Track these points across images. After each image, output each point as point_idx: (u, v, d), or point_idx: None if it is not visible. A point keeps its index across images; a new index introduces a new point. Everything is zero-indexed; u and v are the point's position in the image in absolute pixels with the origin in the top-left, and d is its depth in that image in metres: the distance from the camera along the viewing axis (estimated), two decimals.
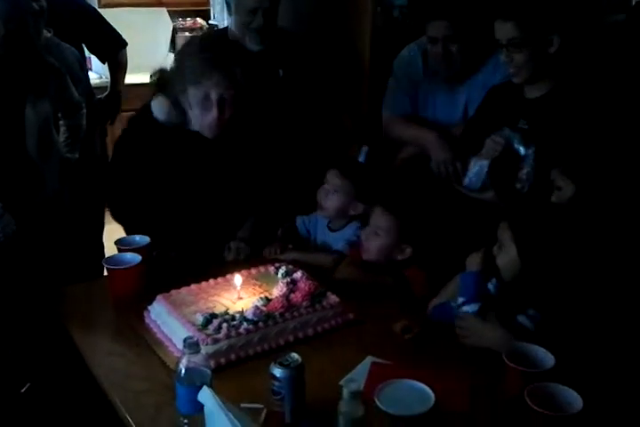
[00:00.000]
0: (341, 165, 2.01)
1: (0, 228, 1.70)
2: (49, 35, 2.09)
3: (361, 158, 2.28)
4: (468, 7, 2.06)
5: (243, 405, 1.25)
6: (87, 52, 3.04)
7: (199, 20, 4.53)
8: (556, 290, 1.37)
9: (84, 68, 2.43)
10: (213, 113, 1.84)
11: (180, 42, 4.42)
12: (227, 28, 2.47)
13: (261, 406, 1.28)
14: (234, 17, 2.33)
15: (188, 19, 4.53)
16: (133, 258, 1.73)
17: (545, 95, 1.81)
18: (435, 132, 2.14)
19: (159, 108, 1.91)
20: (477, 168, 1.88)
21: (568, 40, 1.73)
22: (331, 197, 1.97)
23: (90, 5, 3.09)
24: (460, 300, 1.48)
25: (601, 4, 2.33)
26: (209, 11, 4.38)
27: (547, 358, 1.28)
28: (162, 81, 1.90)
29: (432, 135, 2.13)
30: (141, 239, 1.83)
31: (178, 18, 4.51)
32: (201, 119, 1.88)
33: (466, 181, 1.93)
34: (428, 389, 1.28)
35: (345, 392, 1.16)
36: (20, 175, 1.98)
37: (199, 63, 1.81)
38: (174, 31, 4.44)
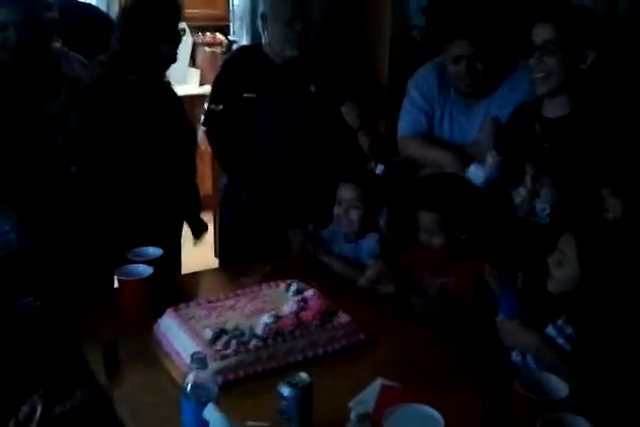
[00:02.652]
0: (350, 177, 2.03)
1: (16, 238, 1.69)
2: (58, 45, 2.13)
3: None
4: (491, 24, 2.07)
5: (249, 423, 1.24)
6: None
7: (219, 35, 4.57)
8: (607, 312, 1.36)
9: None
10: None
11: (200, 57, 4.47)
12: (261, 44, 2.49)
13: (268, 425, 1.26)
14: (270, 27, 2.36)
15: (208, 34, 4.57)
16: (145, 270, 1.73)
17: (565, 116, 1.80)
18: (451, 153, 2.13)
19: None
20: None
21: (600, 60, 1.73)
22: (351, 212, 1.98)
23: (110, 17, 3.11)
24: (500, 316, 1.54)
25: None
26: (228, 26, 4.43)
27: (560, 386, 1.26)
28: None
29: (448, 156, 2.12)
30: (154, 251, 1.83)
31: (198, 33, 4.56)
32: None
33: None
34: (437, 414, 1.26)
35: (353, 414, 1.14)
36: (37, 182, 1.99)
37: None
38: (194, 46, 4.49)
